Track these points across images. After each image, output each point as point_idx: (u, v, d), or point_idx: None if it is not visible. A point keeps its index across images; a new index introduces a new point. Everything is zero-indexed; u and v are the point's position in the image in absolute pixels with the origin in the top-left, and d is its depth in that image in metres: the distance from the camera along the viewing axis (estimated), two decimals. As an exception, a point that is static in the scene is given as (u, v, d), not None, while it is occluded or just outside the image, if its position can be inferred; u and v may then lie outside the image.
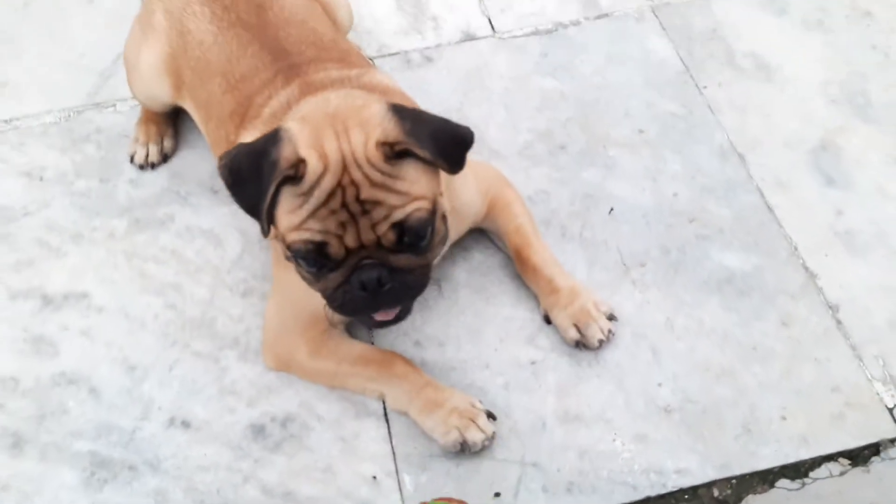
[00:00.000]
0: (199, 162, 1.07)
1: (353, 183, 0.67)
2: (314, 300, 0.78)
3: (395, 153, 0.68)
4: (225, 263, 0.97)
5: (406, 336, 0.90)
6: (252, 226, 0.95)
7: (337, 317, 0.82)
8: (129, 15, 1.06)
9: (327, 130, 0.69)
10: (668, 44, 1.17)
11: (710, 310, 0.90)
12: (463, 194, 0.87)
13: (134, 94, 1.04)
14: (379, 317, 0.77)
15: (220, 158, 0.72)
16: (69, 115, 1.12)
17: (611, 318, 0.89)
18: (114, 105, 1.13)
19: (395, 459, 0.82)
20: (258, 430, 0.84)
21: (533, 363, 0.88)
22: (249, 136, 0.83)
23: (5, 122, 1.12)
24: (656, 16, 1.21)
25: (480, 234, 0.96)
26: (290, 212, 0.68)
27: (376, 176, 0.68)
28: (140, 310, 0.92)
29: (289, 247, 0.70)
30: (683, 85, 1.11)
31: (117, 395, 0.86)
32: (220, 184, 0.99)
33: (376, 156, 0.67)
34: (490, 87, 1.13)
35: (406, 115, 0.70)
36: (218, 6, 0.94)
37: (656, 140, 1.06)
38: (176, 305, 0.93)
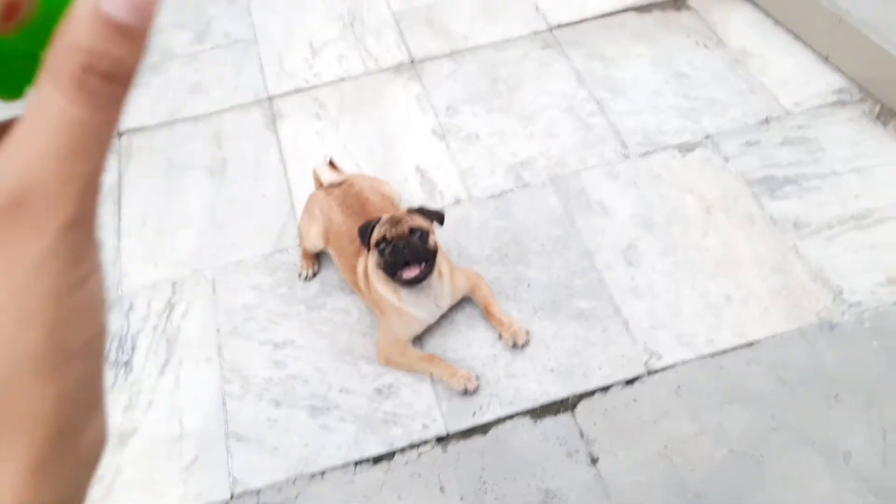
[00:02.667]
0: (332, 277, 2.21)
1: (399, 219, 1.81)
2: (399, 331, 1.91)
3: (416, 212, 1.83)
4: (353, 321, 2.10)
5: (437, 348, 2.01)
6: (360, 304, 2.08)
7: (410, 336, 1.95)
8: (283, 201, 2.24)
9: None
10: (559, 200, 2.31)
11: (558, 329, 2.02)
12: (459, 281, 2.00)
13: (302, 245, 2.19)
14: (407, 273, 1.79)
15: (359, 228, 1.86)
16: (267, 256, 2.27)
17: (527, 333, 2.00)
18: (287, 250, 2.28)
19: (437, 398, 1.93)
20: (377, 389, 1.95)
21: (494, 355, 1.99)
22: (362, 261, 1.98)
23: (237, 262, 2.27)
24: (554, 184, 2.36)
25: (467, 300, 2.08)
26: (375, 236, 1.82)
27: (406, 217, 1.82)
28: (319, 345, 2.05)
29: (376, 244, 1.82)
30: (563, 219, 2.26)
31: (324, 363, 1.98)
32: (346, 285, 2.13)
33: (407, 213, 1.82)
34: (468, 226, 2.27)
35: (420, 207, 1.87)
36: (344, 206, 2.09)
37: (552, 249, 2.19)
38: (335, 341, 2.05)
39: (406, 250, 1.77)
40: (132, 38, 0.27)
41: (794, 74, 2.53)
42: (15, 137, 0.27)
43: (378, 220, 1.84)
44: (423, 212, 1.86)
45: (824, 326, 1.93)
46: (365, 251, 1.97)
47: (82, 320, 0.29)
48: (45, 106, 0.27)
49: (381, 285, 1.89)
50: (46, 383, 0.28)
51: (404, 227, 1.79)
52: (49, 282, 0.27)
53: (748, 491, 1.70)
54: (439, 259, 1.88)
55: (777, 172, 2.27)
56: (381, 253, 1.80)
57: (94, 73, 0.27)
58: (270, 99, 2.71)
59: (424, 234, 1.81)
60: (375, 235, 1.81)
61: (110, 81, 0.27)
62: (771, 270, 2.06)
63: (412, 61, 2.76)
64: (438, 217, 1.88)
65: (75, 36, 0.26)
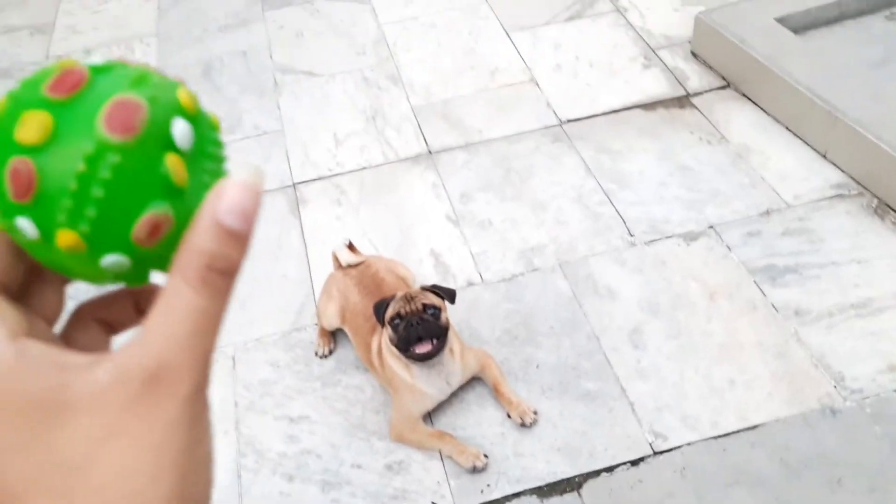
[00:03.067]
0: (348, 355, 2.29)
1: (413, 296, 1.89)
2: (411, 408, 1.97)
3: (429, 290, 1.91)
4: (366, 398, 2.16)
5: (447, 426, 2.07)
6: (374, 382, 2.15)
7: (421, 413, 2.01)
8: (303, 281, 2.35)
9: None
10: (567, 284, 2.40)
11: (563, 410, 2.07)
12: (469, 360, 2.08)
13: (319, 323, 2.28)
14: (419, 349, 1.85)
15: (374, 305, 1.94)
16: (286, 334, 2.36)
17: (535, 412, 2.05)
18: (305, 328, 2.37)
19: (447, 475, 1.97)
20: (388, 466, 2.00)
21: (502, 434, 2.03)
22: (376, 339, 2.06)
23: (257, 339, 2.36)
24: (563, 268, 2.46)
25: (476, 379, 2.15)
26: (389, 312, 1.90)
27: (419, 294, 1.90)
28: (333, 421, 2.11)
29: (390, 320, 1.90)
30: (571, 303, 2.34)
31: (337, 438, 2.03)
32: (361, 363, 2.21)
33: (420, 291, 1.90)
34: (480, 308, 2.36)
35: (433, 286, 1.95)
36: (361, 286, 2.19)
37: (560, 331, 2.26)
38: (347, 416, 2.11)
39: (419, 326, 1.85)
40: (242, 240, 0.35)
41: (794, 169, 2.65)
42: (151, 321, 0.35)
43: (393, 297, 1.93)
44: (435, 290, 1.95)
45: (826, 412, 1.97)
46: (379, 329, 2.05)
47: (202, 472, 0.35)
48: (175, 296, 0.34)
49: (394, 361, 1.97)
50: None
51: (417, 304, 1.88)
52: (179, 440, 0.33)
53: (753, 574, 1.71)
54: (451, 337, 1.96)
55: (778, 261, 2.36)
56: (395, 329, 1.88)
57: (214, 270, 0.34)
58: (295, 185, 2.86)
59: (437, 311, 1.90)
60: (390, 312, 1.90)
61: (226, 275, 0.35)
62: (773, 356, 2.11)
63: (429, 152, 2.92)
64: (450, 295, 1.97)
65: (199, 242, 0.34)
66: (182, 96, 0.37)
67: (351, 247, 2.32)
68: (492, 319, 2.30)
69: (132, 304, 0.43)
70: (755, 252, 2.39)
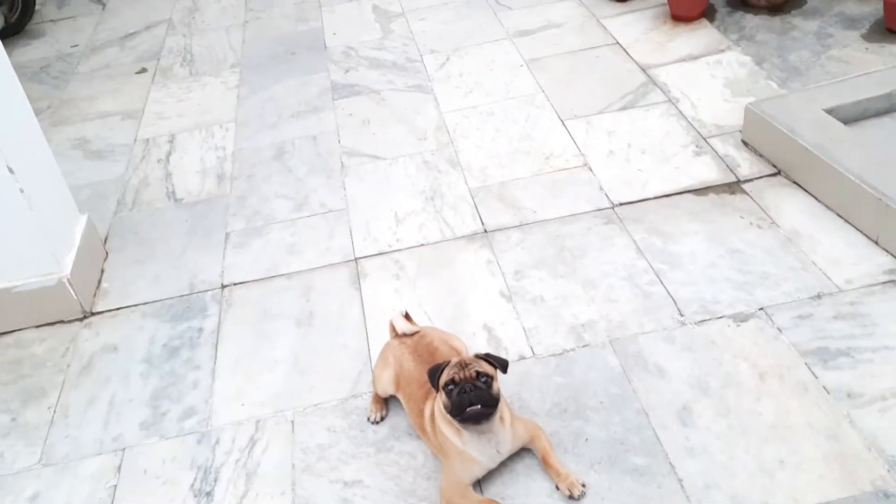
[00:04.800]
0: (401, 422, 2.36)
1: (467, 363, 1.96)
2: (461, 474, 2.03)
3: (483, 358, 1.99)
4: (418, 464, 2.22)
5: (496, 494, 2.11)
6: (426, 449, 2.21)
7: (471, 480, 2.06)
8: (361, 351, 2.46)
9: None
10: (617, 360, 2.45)
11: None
12: (519, 430, 2.13)
13: (375, 389, 2.37)
14: (471, 409, 1.91)
15: (429, 370, 2.03)
16: (343, 401, 2.46)
17: (583, 485, 2.08)
18: (362, 395, 2.47)
19: (494, 544, 2.00)
20: (438, 532, 2.04)
21: (550, 505, 2.07)
22: (429, 405, 2.14)
23: (315, 405, 2.47)
24: (612, 345, 2.51)
25: (526, 450, 2.19)
26: (443, 378, 1.97)
27: (473, 362, 1.97)
28: (385, 486, 2.17)
29: (444, 386, 1.96)
30: (620, 379, 2.38)
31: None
32: (414, 431, 2.28)
33: (474, 359, 1.98)
34: (531, 381, 2.42)
35: (487, 354, 2.03)
36: (416, 354, 2.29)
37: (609, 406, 2.30)
38: (399, 482, 2.17)
39: (472, 393, 1.93)
40: None
41: (845, 254, 2.68)
42: None
43: (447, 363, 2.02)
44: (489, 358, 2.04)
45: (879, 495, 1.95)
46: (433, 395, 2.13)
47: None
48: None
49: (446, 427, 2.04)
50: None
51: (471, 371, 1.97)
52: None
53: None
54: (501, 406, 2.03)
55: (830, 344, 2.37)
56: (449, 394, 1.96)
57: None
58: (357, 260, 3.01)
59: (489, 380, 1.98)
60: (444, 378, 1.99)
61: None
62: (825, 438, 2.11)
63: (485, 231, 3.05)
64: (502, 364, 2.05)
65: None
66: None
67: (407, 317, 2.43)
68: (542, 392, 2.36)
69: None
70: (806, 334, 2.41)
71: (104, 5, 5.95)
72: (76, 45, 5.37)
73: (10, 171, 2.65)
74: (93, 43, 5.35)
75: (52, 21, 5.84)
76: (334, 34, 4.87)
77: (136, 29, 5.46)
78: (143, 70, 4.86)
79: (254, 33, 5.10)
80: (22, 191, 2.71)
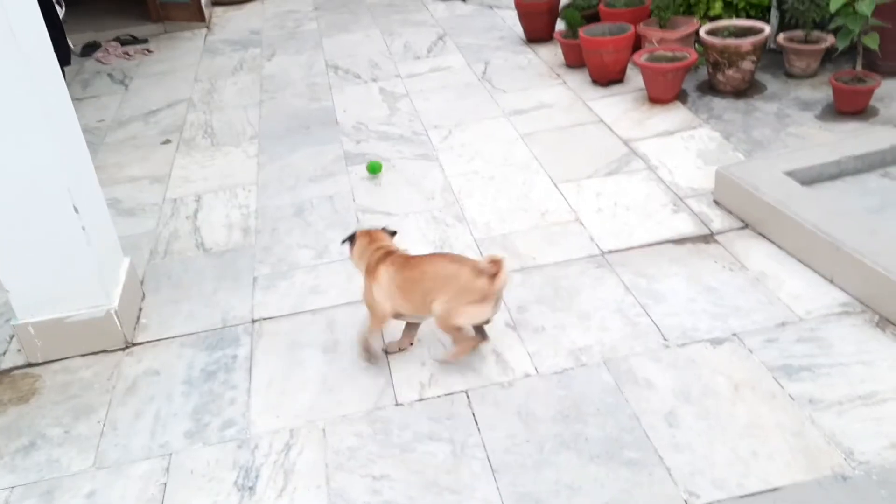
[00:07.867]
0: (423, 428, 2.67)
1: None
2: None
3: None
4: (438, 461, 2.51)
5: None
6: (445, 449, 2.51)
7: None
8: (382, 370, 2.79)
9: None
10: (610, 376, 2.80)
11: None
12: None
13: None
14: None
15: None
16: (370, 412, 2.76)
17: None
18: (385, 408, 2.78)
19: (508, 524, 2.29)
20: (459, 514, 2.33)
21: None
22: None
23: (343, 416, 2.77)
24: (606, 365, 2.86)
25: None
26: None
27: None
28: (411, 478, 2.46)
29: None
30: (614, 391, 2.72)
31: (415, 492, 2.37)
32: (434, 433, 2.59)
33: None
34: (536, 394, 2.75)
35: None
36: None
37: (605, 412, 2.63)
38: (424, 476, 2.45)
39: None
40: None
41: (805, 291, 3.09)
42: None
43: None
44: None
45: (838, 478, 2.28)
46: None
47: None
48: None
49: None
50: None
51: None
52: None
53: None
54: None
55: (794, 362, 2.74)
56: None
57: None
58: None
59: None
60: None
61: None
62: (791, 434, 2.45)
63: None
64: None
65: None
66: None
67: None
68: (546, 402, 2.69)
69: None
70: (773, 354, 2.78)
71: (126, 86, 6.45)
72: (102, 120, 5.82)
73: (76, 210, 3.02)
74: (118, 118, 5.80)
75: (77, 99, 6.27)
76: (345, 111, 5.36)
77: (159, 106, 5.93)
78: (168, 141, 5.30)
79: (269, 110, 5.59)
80: (84, 228, 3.06)
